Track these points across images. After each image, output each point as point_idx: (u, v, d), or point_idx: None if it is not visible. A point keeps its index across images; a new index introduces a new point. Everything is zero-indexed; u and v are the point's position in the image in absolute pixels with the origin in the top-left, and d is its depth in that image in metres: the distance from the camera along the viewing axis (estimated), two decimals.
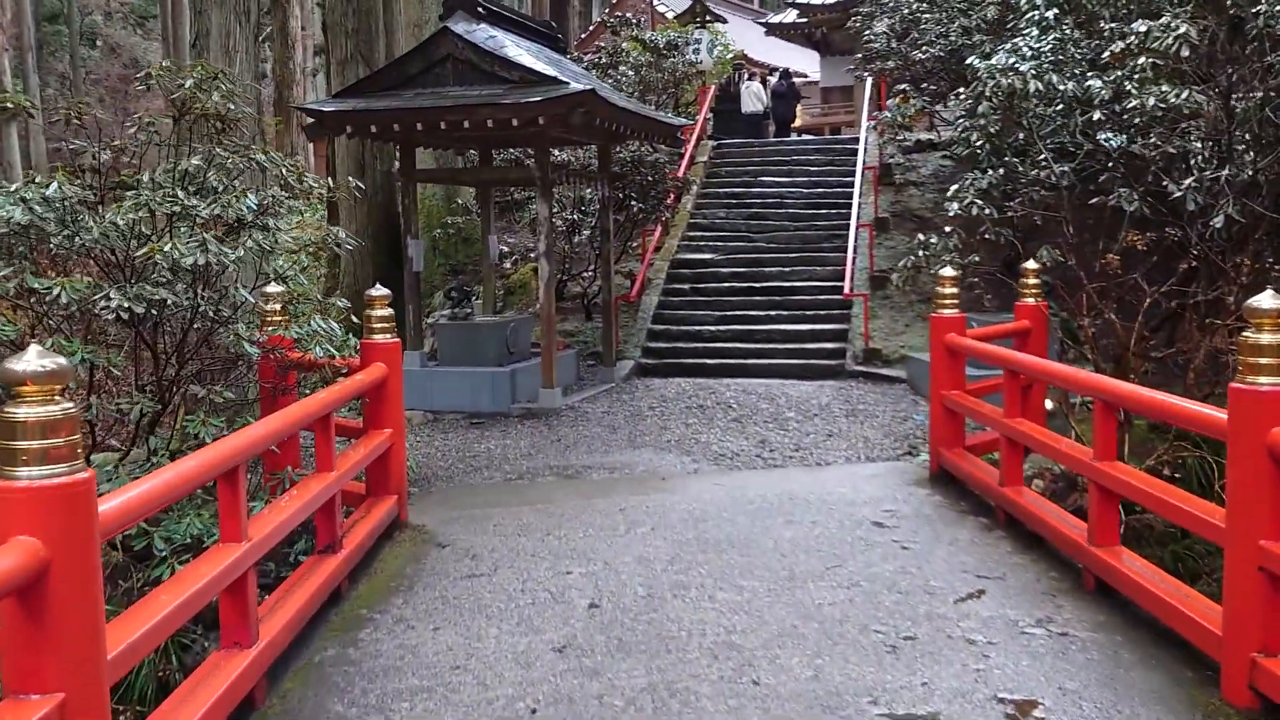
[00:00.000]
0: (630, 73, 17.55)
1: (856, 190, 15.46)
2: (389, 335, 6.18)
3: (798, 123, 26.36)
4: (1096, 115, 7.94)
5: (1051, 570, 5.32)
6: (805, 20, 29.47)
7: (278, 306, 6.22)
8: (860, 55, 15.53)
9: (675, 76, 19.39)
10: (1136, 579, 4.54)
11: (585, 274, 15.33)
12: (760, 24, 33.15)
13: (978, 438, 7.50)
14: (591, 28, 36.73)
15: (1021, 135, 8.93)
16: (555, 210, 14.71)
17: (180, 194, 5.07)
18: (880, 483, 7.35)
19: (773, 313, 13.99)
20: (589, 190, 12.98)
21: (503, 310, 15.87)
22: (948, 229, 8.67)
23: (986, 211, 8.35)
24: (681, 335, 13.85)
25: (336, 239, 6.02)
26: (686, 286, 14.82)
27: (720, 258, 15.35)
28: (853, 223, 14.61)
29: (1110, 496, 4.83)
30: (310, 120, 10.85)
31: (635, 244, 16.03)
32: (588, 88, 10.03)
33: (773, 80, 24.86)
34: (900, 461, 8.36)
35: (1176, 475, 6.88)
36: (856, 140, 18.40)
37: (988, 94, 8.52)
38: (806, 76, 31.84)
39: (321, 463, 5.05)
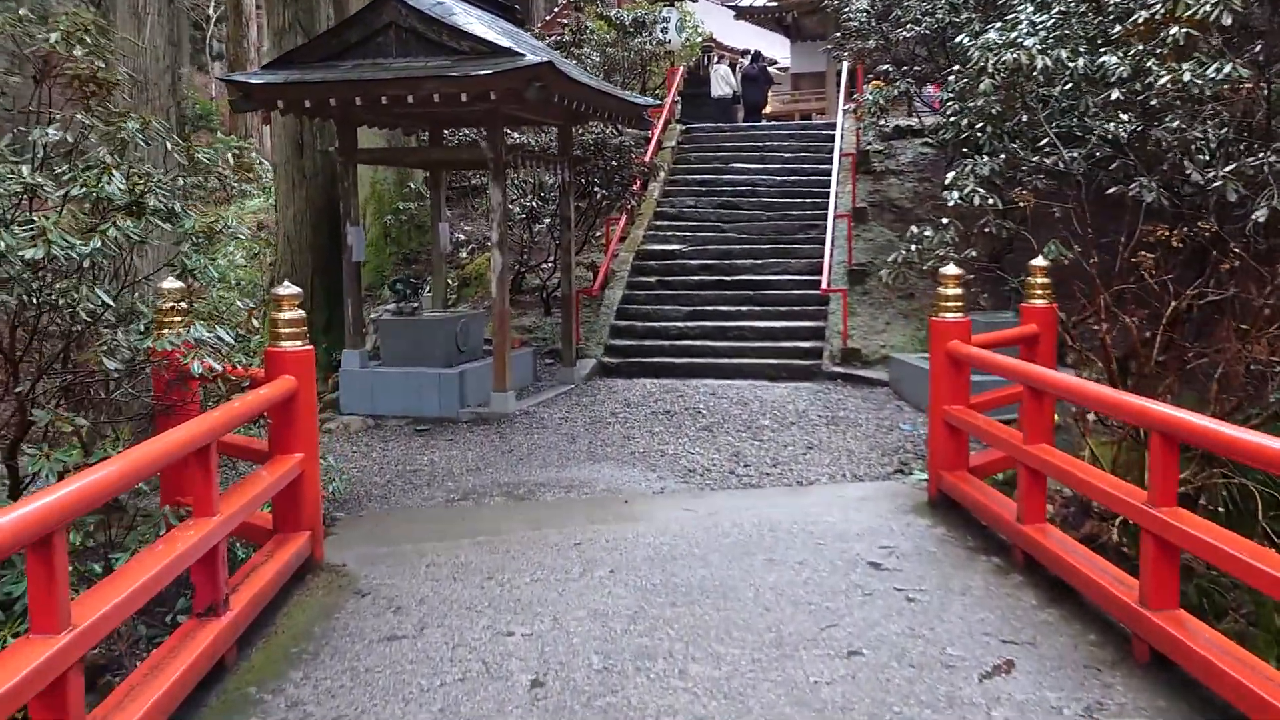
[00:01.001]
0: (595, 55, 16.57)
1: (834, 178, 14.57)
2: (299, 342, 5.20)
3: (768, 109, 25.45)
4: (1115, 95, 7.07)
5: (1089, 632, 4.44)
6: (776, 4, 28.62)
7: (170, 306, 5.26)
8: (837, 34, 14.60)
9: (642, 57, 18.43)
10: (1209, 657, 3.66)
11: (544, 265, 14.34)
12: (729, 7, 32.22)
13: (980, 457, 6.62)
14: (556, 9, 35.65)
15: (1025, 118, 8.06)
16: (513, 197, 13.75)
17: (25, 170, 4.06)
18: (872, 509, 6.46)
19: (744, 308, 13.09)
20: (549, 176, 12.02)
21: (456, 304, 14.87)
22: (944, 220, 7.78)
23: (990, 201, 7.47)
24: (647, 332, 12.91)
25: (230, 228, 4.97)
26: (653, 279, 13.87)
27: (689, 249, 14.41)
28: (830, 213, 13.71)
29: (1172, 551, 3.95)
30: (238, 94, 9.78)
31: (598, 234, 15.06)
32: (545, 59, 9.04)
33: (743, 63, 23.91)
34: (891, 481, 7.46)
35: (1216, 508, 6.06)
36: (832, 126, 17.56)
37: (990, 71, 7.64)
38: (776, 62, 30.97)
39: (200, 505, 4.07)
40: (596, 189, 13.56)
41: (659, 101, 16.54)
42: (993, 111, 7.91)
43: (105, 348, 4.48)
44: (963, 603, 4.81)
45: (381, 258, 16.79)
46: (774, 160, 16.83)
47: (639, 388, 11.40)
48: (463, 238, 16.50)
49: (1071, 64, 7.58)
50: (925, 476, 7.23)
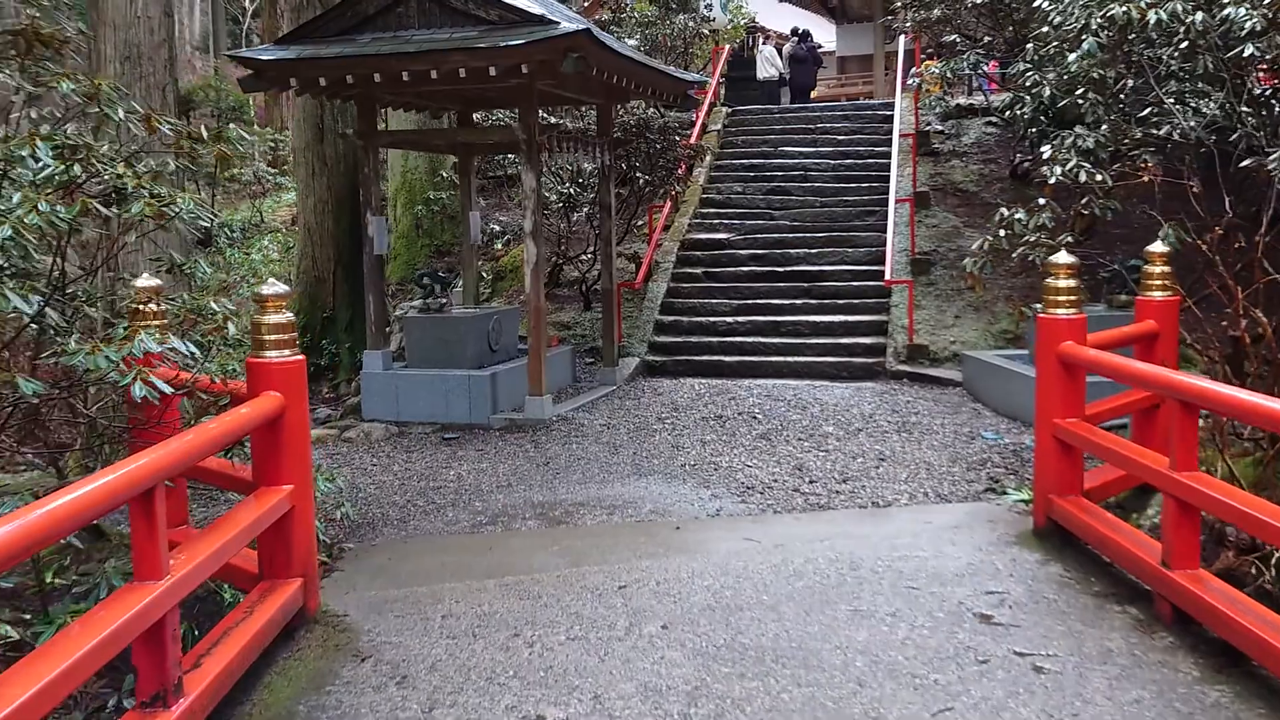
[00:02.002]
0: (630, 38, 15.66)
1: (894, 160, 13.54)
2: (287, 351, 4.31)
3: (814, 92, 24.40)
4: (1249, 50, 6.04)
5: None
6: None
7: (137, 309, 4.44)
8: (898, 4, 13.52)
9: (685, 37, 17.50)
10: None
11: (583, 257, 13.45)
12: None
13: (1092, 478, 5.62)
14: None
15: (1131, 82, 7.04)
16: (549, 184, 12.86)
17: None
18: (968, 540, 5.49)
19: (799, 301, 12.12)
20: (588, 161, 11.10)
21: (490, 298, 14.04)
22: (1040, 201, 6.77)
23: (1099, 179, 6.46)
24: (694, 328, 11.98)
25: (184, 209, 4.06)
26: (699, 271, 12.93)
27: (737, 238, 13.46)
28: (891, 197, 12.70)
29: None
30: (247, 72, 8.95)
31: (640, 222, 14.14)
32: (582, 27, 8.13)
33: (789, 45, 22.82)
34: (983, 503, 6.47)
35: None
36: (886, 106, 16.56)
37: (1094, 28, 6.62)
38: (820, 46, 29.92)
39: (141, 565, 3.20)
40: (638, 174, 12.62)
41: (705, 79, 15.53)
42: (1094, 76, 6.89)
43: (52, 360, 3.64)
44: (1105, 674, 3.83)
45: (413, 250, 15.99)
46: (826, 143, 15.83)
47: (687, 389, 10.50)
48: (498, 228, 15.68)
49: (1188, 18, 6.55)
50: (1023, 497, 6.27)
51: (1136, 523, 5.82)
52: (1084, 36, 6.65)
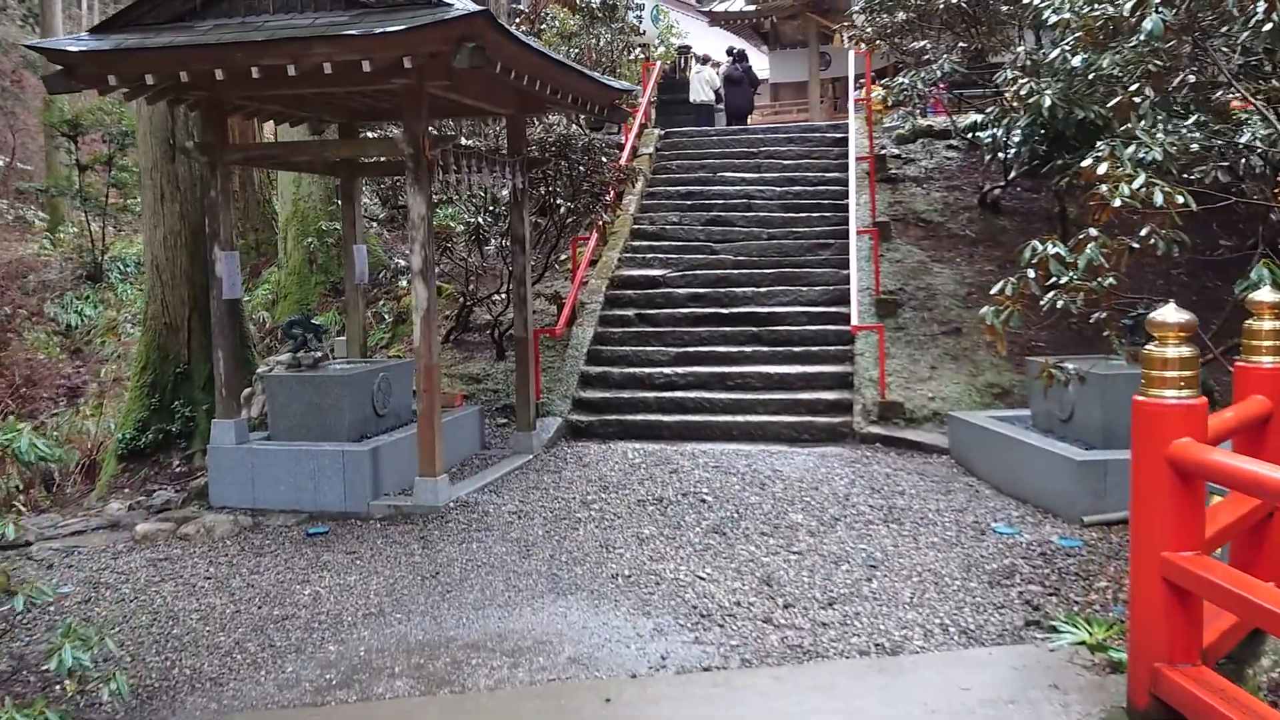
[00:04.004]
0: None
1: (852, 187, 11.93)
2: None
3: (750, 118, 22.92)
4: None
5: None
6: (754, 8, 26.32)
7: None
8: (856, 8, 11.91)
9: (613, 52, 15.82)
10: None
11: (496, 297, 11.59)
12: (704, 12, 29.89)
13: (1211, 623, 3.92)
14: (521, 12, 32.92)
15: (1192, 76, 5.42)
16: (457, 212, 11.03)
17: None
18: None
19: (748, 349, 10.39)
20: (495, 182, 9.23)
21: (390, 344, 12.14)
22: (1091, 232, 5.08)
23: (1180, 200, 4.80)
24: (627, 381, 10.17)
25: None
26: (632, 313, 11.14)
27: (675, 275, 11.70)
28: (852, 228, 11.06)
29: None
30: (57, 70, 6.99)
31: (563, 256, 12.34)
32: (478, 9, 6.33)
33: (724, 65, 21.26)
34: (1028, 645, 4.70)
35: None
36: (835, 128, 15.06)
37: (1155, 2, 4.98)
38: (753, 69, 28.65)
39: None
40: (559, 200, 10.82)
41: (636, 88, 13.79)
42: (1151, 68, 5.27)
43: None
44: None
45: (306, 288, 14.03)
46: (771, 169, 14.20)
47: (618, 457, 8.69)
48: (404, 263, 13.76)
49: None
50: (1083, 638, 4.57)
51: (1254, 682, 4.15)
52: (1142, 13, 5.02)
